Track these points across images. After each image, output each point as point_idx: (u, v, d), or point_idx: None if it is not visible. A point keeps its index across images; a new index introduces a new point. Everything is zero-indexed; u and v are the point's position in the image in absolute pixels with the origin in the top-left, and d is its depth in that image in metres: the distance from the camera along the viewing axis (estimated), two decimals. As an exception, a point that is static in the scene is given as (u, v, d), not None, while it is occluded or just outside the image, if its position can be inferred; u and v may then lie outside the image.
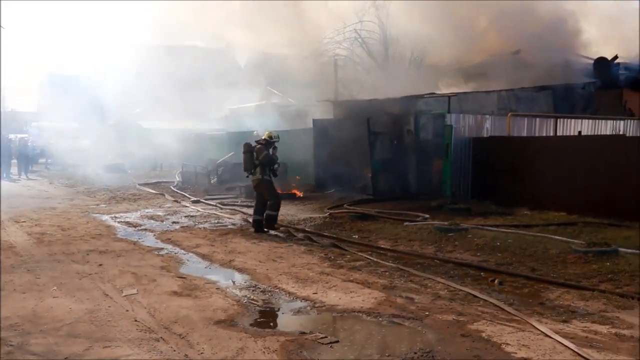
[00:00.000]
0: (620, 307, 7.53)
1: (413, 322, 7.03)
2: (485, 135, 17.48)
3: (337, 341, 6.41)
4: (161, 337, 6.50)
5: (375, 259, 10.51)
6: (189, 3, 35.97)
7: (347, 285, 8.72)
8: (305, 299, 8.09)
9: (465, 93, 20.45)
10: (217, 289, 8.65)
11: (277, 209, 13.81)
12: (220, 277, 9.56)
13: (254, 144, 13.94)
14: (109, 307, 7.65)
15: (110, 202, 19.74)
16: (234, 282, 9.17)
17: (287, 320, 7.35)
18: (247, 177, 14.13)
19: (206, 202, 19.69)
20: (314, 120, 22.47)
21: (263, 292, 8.48)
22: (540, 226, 12.84)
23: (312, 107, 27.62)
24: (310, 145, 21.83)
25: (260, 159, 13.57)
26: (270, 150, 13.69)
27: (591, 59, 23.95)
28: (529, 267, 9.73)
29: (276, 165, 13.84)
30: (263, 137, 13.90)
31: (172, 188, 24.45)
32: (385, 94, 21.57)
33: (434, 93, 19.93)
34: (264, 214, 13.72)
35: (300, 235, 13.19)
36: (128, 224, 15.10)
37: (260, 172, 13.63)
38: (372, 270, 9.77)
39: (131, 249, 11.72)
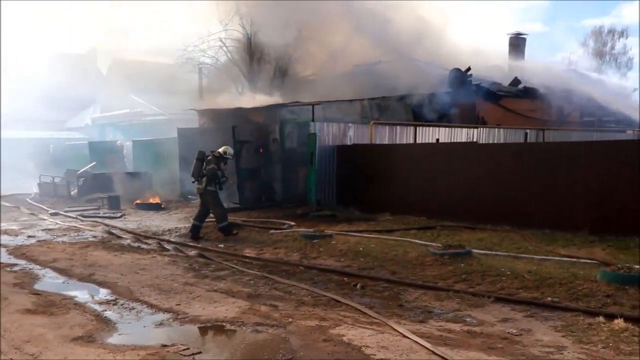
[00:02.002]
0: (473, 306, 7.96)
1: (276, 330, 7.07)
2: (349, 143, 17.89)
3: (200, 352, 6.34)
4: (11, 359, 6.16)
5: (240, 268, 10.51)
6: (49, 5, 34.60)
7: (211, 295, 8.65)
8: (168, 310, 7.94)
9: (329, 102, 20.80)
10: (75, 304, 8.32)
11: (225, 219, 13.99)
12: (79, 292, 9.20)
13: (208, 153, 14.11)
14: (-46, 329, 7.16)
15: (-42, 217, 18.47)
16: (93, 297, 8.85)
17: (148, 334, 7.16)
18: (193, 182, 14.22)
19: (66, 214, 18.88)
20: (178, 129, 22.15)
21: (124, 305, 8.24)
22: (401, 230, 13.32)
23: (178, 116, 27.18)
24: (176, 155, 21.52)
25: (205, 169, 13.78)
26: (221, 165, 13.94)
27: (447, 69, 25.05)
28: (390, 270, 10.06)
29: (224, 179, 14.05)
30: (218, 151, 14.06)
31: (29, 200, 23.27)
32: (251, 102, 21.60)
33: (298, 101, 20.16)
34: (218, 228, 13.91)
35: (165, 245, 12.98)
36: (-22, 239, 14.22)
37: (205, 183, 13.83)
38: (237, 279, 9.75)
39: (-19, 266, 11.03)
